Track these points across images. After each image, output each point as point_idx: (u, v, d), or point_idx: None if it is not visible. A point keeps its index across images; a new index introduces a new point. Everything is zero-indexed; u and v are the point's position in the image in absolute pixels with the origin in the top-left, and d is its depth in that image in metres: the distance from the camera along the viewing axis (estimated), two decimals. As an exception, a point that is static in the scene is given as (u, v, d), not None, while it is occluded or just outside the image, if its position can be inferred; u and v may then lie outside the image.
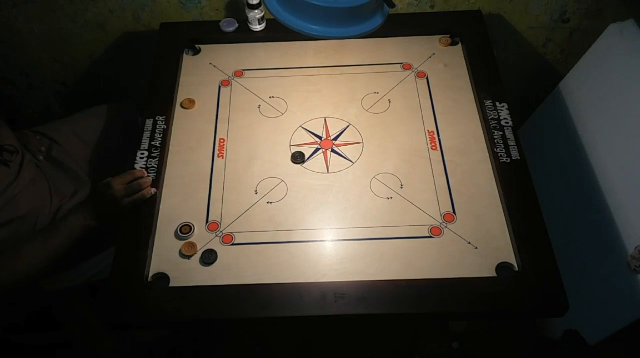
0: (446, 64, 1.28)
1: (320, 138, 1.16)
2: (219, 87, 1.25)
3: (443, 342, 1.54)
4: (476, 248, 0.98)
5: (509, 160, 1.08)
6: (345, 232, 1.01)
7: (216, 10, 1.43)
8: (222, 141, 1.16)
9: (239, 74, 1.28)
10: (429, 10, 1.43)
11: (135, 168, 1.08)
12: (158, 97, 1.21)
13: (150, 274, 0.96)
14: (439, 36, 1.33)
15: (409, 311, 0.91)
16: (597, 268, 1.22)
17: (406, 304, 0.91)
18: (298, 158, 1.12)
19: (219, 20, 1.34)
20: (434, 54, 1.30)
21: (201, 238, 1.00)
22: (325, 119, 1.19)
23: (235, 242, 1.00)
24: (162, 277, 0.96)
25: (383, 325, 1.51)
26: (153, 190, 1.05)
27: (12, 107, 1.72)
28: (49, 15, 1.41)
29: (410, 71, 1.27)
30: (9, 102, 1.70)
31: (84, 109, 1.38)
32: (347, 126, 1.18)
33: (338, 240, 1.00)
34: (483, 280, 0.94)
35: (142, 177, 1.05)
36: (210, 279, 0.95)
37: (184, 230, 1.00)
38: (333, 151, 1.14)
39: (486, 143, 1.13)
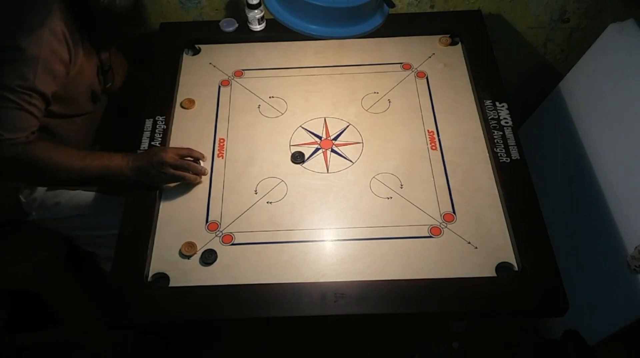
0: (446, 64, 1.28)
1: (320, 138, 1.16)
2: (219, 87, 1.25)
3: (443, 342, 1.53)
4: (476, 248, 0.98)
5: (509, 160, 1.08)
6: (345, 232, 1.01)
7: (216, 10, 1.43)
8: (222, 141, 1.16)
9: (239, 74, 1.28)
10: (429, 10, 1.43)
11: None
12: (158, 97, 1.21)
13: (150, 274, 0.96)
14: (439, 36, 1.33)
15: (409, 312, 0.91)
16: (597, 268, 1.22)
17: (406, 304, 0.91)
18: (298, 158, 1.12)
19: (219, 20, 1.34)
20: (434, 54, 1.30)
21: (201, 238, 1.00)
22: (325, 119, 1.19)
23: (235, 242, 1.00)
24: (162, 277, 0.96)
25: (383, 325, 1.51)
26: (200, 180, 1.08)
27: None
28: (49, 15, 1.41)
29: (410, 71, 1.27)
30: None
31: None
32: (347, 126, 1.18)
33: (338, 240, 1.00)
34: (483, 280, 0.94)
35: (198, 159, 1.08)
36: (210, 279, 0.95)
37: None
38: (333, 151, 1.14)
39: (486, 143, 1.13)
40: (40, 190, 1.17)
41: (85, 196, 1.19)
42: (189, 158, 1.07)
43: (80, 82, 1.09)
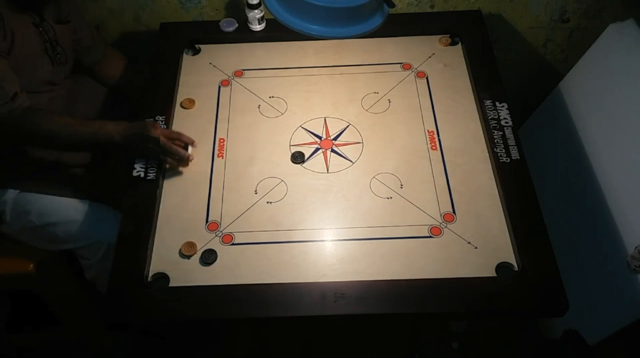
0: (446, 64, 1.28)
1: (320, 138, 1.16)
2: (219, 87, 1.25)
3: (443, 342, 1.53)
4: (476, 248, 0.98)
5: (509, 160, 1.08)
6: (345, 232, 1.01)
7: (216, 10, 1.43)
8: (222, 141, 1.16)
9: (239, 74, 1.28)
10: (429, 10, 1.43)
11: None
12: (158, 97, 1.21)
13: (150, 274, 0.96)
14: (439, 36, 1.33)
15: (409, 312, 0.91)
16: (597, 268, 1.22)
17: (406, 304, 0.91)
18: (298, 158, 1.12)
19: (219, 20, 1.34)
20: (434, 54, 1.30)
21: (201, 238, 1.00)
22: (325, 119, 1.19)
23: (235, 242, 1.00)
24: (162, 277, 0.96)
25: (383, 325, 1.51)
26: (183, 166, 1.09)
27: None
28: (49, 15, 1.41)
29: (410, 71, 1.27)
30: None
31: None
32: (347, 126, 1.18)
33: (338, 240, 1.00)
34: (483, 280, 0.93)
35: (187, 145, 1.08)
36: (210, 279, 0.95)
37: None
38: (333, 151, 1.14)
39: (486, 143, 1.13)
40: (11, 193, 1.17)
41: (58, 202, 1.18)
42: (178, 142, 1.08)
43: (19, 51, 1.06)
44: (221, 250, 0.99)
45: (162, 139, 1.04)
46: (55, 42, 1.14)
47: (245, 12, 1.29)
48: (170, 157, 1.07)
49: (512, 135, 1.12)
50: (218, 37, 1.33)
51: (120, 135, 1.06)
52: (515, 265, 0.96)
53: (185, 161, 1.08)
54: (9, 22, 1.03)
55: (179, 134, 1.09)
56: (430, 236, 1.00)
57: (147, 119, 1.12)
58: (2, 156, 1.16)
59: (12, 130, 1.05)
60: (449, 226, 1.01)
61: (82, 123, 1.09)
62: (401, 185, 1.07)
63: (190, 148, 1.09)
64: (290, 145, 1.15)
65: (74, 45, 1.22)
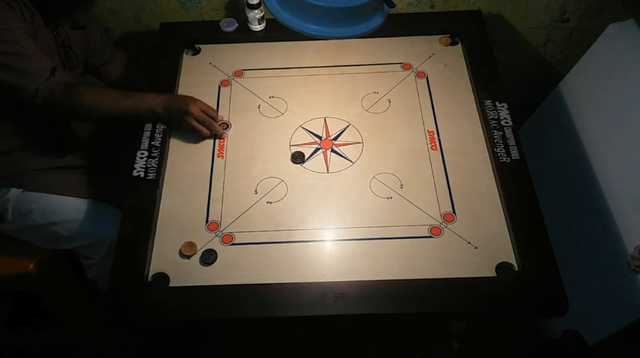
0: (446, 64, 1.28)
1: (320, 138, 1.16)
2: (219, 87, 1.25)
3: (443, 342, 1.53)
4: (476, 248, 0.98)
5: (509, 160, 1.08)
6: (345, 232, 1.01)
7: (216, 10, 1.43)
8: (222, 141, 1.16)
9: (239, 74, 1.28)
10: (429, 10, 1.43)
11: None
12: (158, 97, 1.21)
13: (150, 274, 0.96)
14: (439, 36, 1.33)
15: (409, 312, 0.91)
16: (597, 268, 1.22)
17: (406, 304, 0.91)
18: (298, 158, 1.12)
19: (219, 20, 1.34)
20: (434, 54, 1.30)
21: (201, 238, 1.00)
22: (325, 119, 1.19)
23: (235, 242, 1.00)
24: (162, 277, 0.96)
25: (383, 325, 1.51)
26: (220, 131, 1.15)
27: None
28: (49, 15, 1.41)
29: (410, 71, 1.27)
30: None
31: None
32: (347, 126, 1.18)
33: (338, 239, 1.00)
34: (483, 280, 0.94)
35: (220, 122, 1.16)
36: (210, 279, 0.95)
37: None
38: (333, 151, 1.14)
39: (486, 143, 1.13)
40: (14, 192, 1.17)
41: (61, 201, 1.19)
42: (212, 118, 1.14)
43: None
44: (221, 250, 0.99)
45: (201, 116, 1.11)
46: (69, 47, 1.16)
47: (245, 12, 1.29)
48: (204, 129, 1.12)
49: (512, 135, 1.12)
50: (218, 37, 1.33)
51: (162, 107, 1.11)
52: (515, 265, 0.96)
53: (218, 135, 1.15)
54: (39, 22, 1.06)
55: (215, 114, 1.15)
56: (430, 236, 1.00)
57: (187, 95, 1.16)
58: (6, 155, 1.16)
59: (52, 110, 1.06)
60: (449, 226, 1.01)
61: (123, 95, 1.12)
62: (401, 185, 1.07)
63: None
64: (290, 145, 1.15)
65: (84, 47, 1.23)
